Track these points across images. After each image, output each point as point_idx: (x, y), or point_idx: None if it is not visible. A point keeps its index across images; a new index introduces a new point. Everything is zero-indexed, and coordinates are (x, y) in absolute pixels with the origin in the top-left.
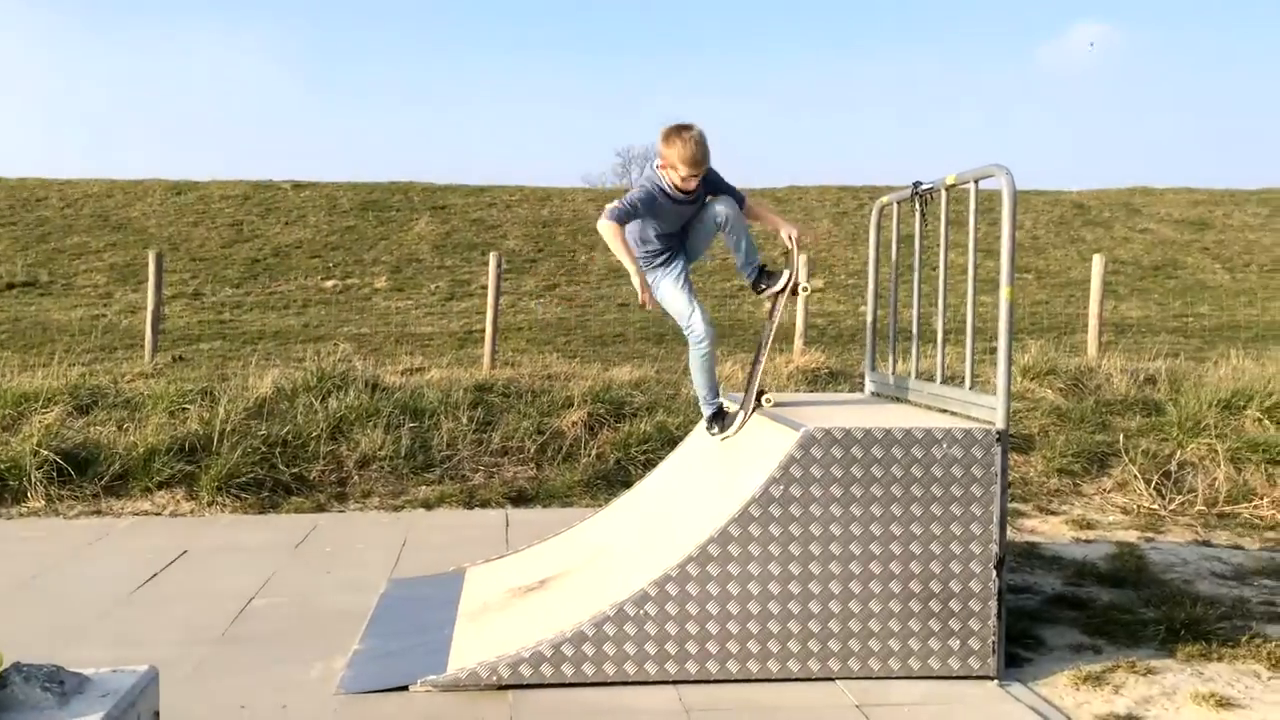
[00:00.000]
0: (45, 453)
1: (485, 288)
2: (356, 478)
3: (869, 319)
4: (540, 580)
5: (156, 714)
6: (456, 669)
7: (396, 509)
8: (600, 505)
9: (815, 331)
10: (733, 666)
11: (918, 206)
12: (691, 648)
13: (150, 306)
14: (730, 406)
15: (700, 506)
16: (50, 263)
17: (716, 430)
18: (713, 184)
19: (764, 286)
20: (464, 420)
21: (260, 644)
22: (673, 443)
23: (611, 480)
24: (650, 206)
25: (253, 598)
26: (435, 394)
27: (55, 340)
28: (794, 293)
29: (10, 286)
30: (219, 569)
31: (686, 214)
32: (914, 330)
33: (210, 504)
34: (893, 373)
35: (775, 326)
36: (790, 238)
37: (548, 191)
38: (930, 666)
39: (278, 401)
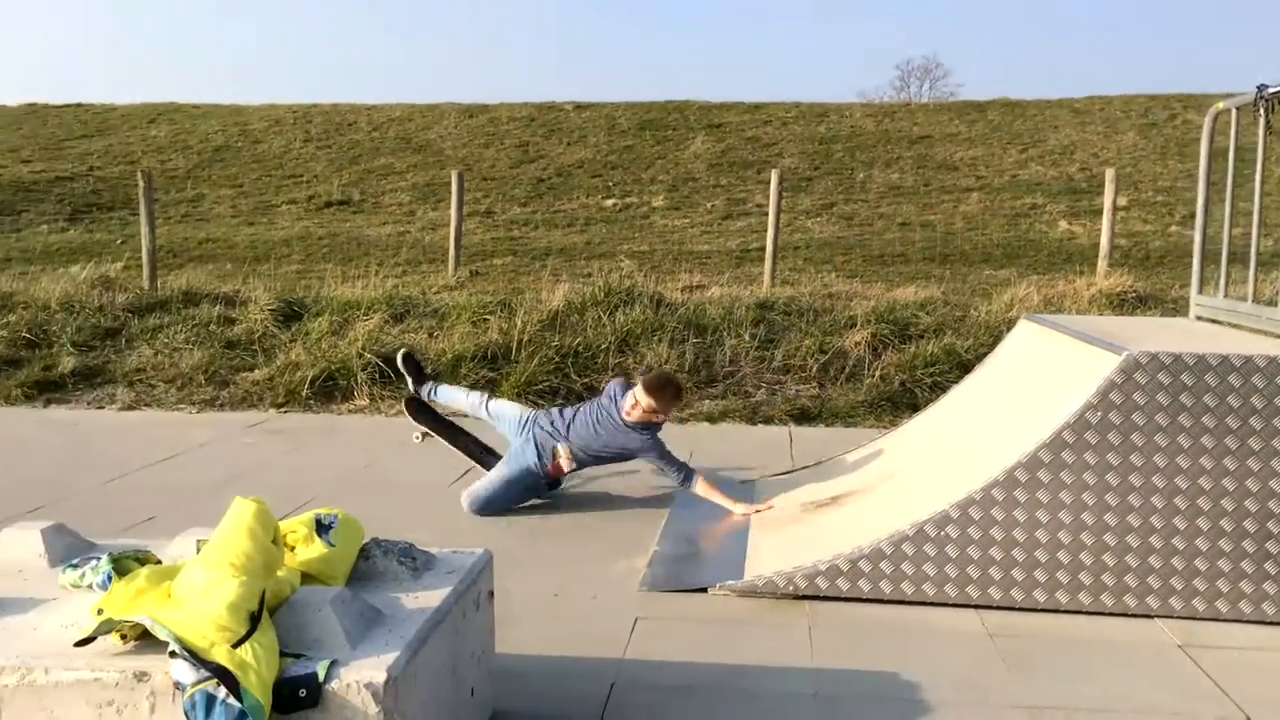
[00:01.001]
0: (368, 356)
1: (761, 206)
2: None
3: (1197, 238)
4: (833, 496)
5: (491, 593)
6: (753, 576)
7: (682, 421)
8: (885, 426)
9: (1119, 253)
10: (1039, 595)
11: (1262, 113)
12: (995, 573)
13: (453, 224)
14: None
15: (1006, 430)
16: (361, 182)
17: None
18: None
19: None
20: (746, 337)
21: (565, 538)
22: (962, 366)
23: (897, 402)
24: None
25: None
26: (717, 311)
27: (369, 254)
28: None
29: (328, 204)
30: None
31: None
32: (1253, 250)
33: None
34: (1223, 296)
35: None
36: None
37: (825, 107)
38: (1264, 611)
39: (568, 314)
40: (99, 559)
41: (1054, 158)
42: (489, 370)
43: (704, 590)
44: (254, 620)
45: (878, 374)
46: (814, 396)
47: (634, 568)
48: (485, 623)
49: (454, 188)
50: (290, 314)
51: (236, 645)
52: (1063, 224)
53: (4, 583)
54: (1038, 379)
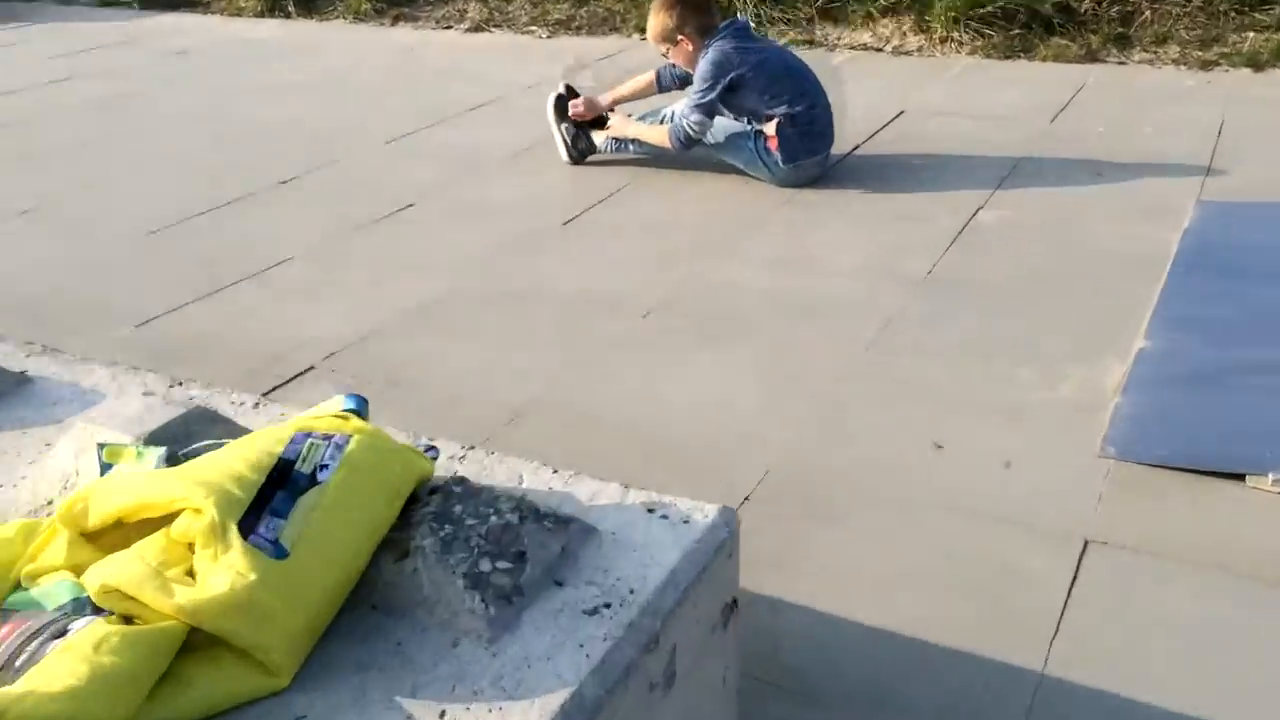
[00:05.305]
0: None
1: None
2: (1148, 14)
3: None
4: None
5: (733, 604)
6: None
7: (1204, 66)
8: None
9: None
10: None
11: None
12: None
13: None
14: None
15: None
16: None
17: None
18: None
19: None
20: None
21: (976, 300)
22: None
23: None
24: None
25: (980, 207)
26: None
27: None
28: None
29: None
30: (936, 140)
31: None
32: None
33: (944, 40)
34: None
35: None
36: None
37: None
38: None
39: None
40: None
41: None
42: None
43: (1240, 478)
44: None
45: None
46: None
47: (1095, 386)
48: (695, 698)
49: None
50: None
51: None
52: None
53: None
54: None
